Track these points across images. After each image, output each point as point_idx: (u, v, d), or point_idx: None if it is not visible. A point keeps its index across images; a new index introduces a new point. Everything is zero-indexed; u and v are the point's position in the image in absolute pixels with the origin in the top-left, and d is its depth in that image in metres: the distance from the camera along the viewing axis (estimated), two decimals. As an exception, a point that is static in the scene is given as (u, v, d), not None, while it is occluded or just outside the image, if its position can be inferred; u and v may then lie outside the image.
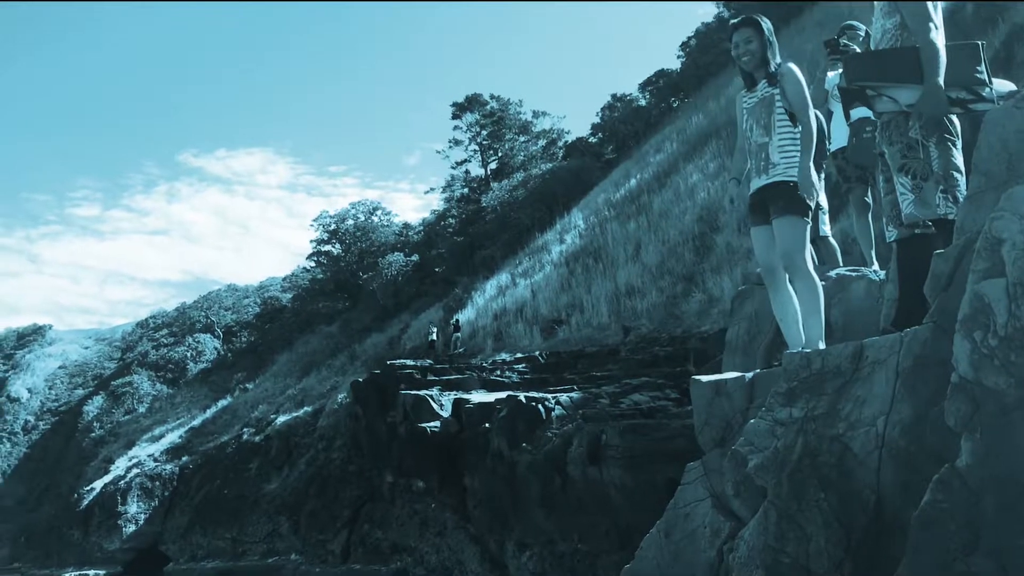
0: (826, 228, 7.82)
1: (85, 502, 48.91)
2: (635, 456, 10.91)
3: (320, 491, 33.49)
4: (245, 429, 44.55)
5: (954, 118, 4.91)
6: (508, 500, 12.92)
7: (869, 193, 7.55)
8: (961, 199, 4.74)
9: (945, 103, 4.74)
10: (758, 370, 5.76)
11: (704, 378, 5.94)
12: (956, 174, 4.84)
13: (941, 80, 4.72)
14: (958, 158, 4.89)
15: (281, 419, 42.23)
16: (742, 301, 7.49)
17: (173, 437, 52.20)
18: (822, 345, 5.39)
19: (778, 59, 5.62)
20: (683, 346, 15.70)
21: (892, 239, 5.31)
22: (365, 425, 23.76)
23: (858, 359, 4.56)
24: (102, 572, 42.87)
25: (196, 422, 52.89)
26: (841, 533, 4.29)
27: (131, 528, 44.55)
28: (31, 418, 75.34)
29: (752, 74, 5.65)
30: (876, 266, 7.33)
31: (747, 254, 17.27)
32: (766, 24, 5.64)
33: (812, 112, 5.50)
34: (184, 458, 46.72)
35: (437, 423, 16.43)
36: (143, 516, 44.82)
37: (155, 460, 48.59)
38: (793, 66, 5.59)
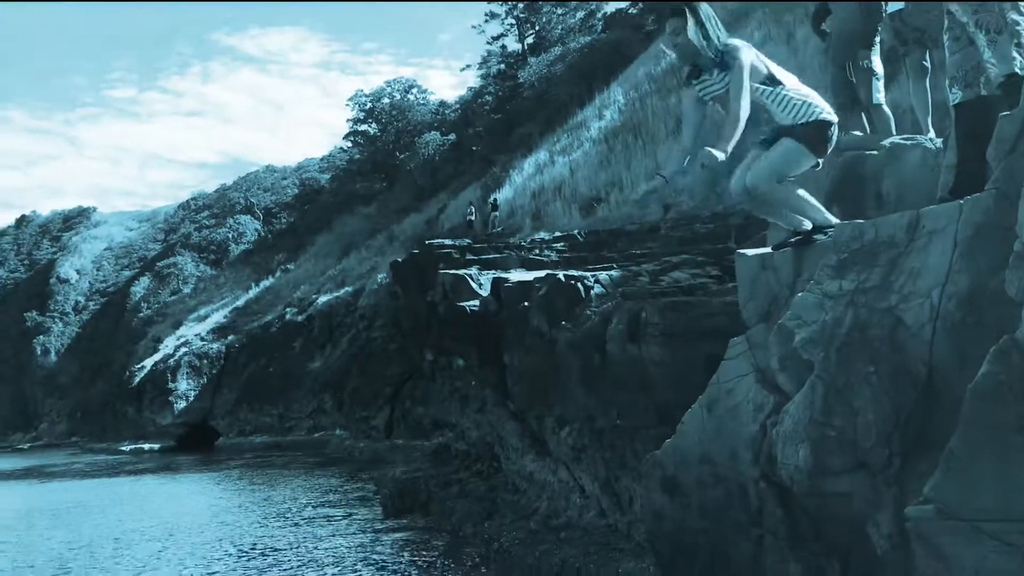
0: (880, 96, 7.46)
1: (137, 379, 50.46)
2: (675, 334, 10.79)
3: (362, 369, 34.15)
4: (288, 309, 45.29)
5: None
6: (547, 378, 12.95)
7: (928, 56, 7.17)
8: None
9: None
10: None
11: (750, 251, 5.78)
12: None
13: None
14: None
15: (322, 299, 42.82)
16: (789, 173, 7.23)
17: (218, 317, 53.22)
18: (831, 219, 5.29)
19: (721, 40, 5.17)
20: (724, 223, 15.43)
21: (955, 101, 5.02)
22: (405, 304, 23.89)
23: (914, 229, 4.36)
24: (156, 446, 44.50)
25: (240, 302, 53.78)
26: (890, 407, 4.17)
27: (182, 404, 46.01)
28: (81, 299, 77.10)
29: (696, 64, 5.27)
30: (932, 134, 7.01)
31: (792, 128, 16.76)
32: (699, 10, 5.15)
33: (745, 100, 5.06)
34: (230, 337, 47.77)
35: (476, 302, 16.42)
36: (193, 393, 46.20)
37: (202, 339, 49.74)
38: (739, 46, 5.16)
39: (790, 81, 5.24)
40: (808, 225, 5.37)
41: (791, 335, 4.69)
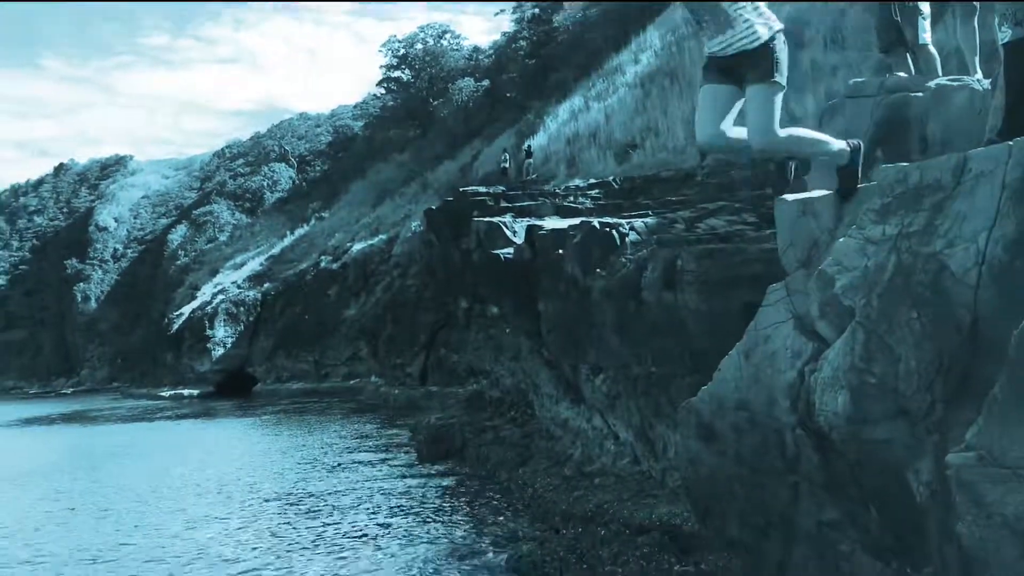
0: (926, 36, 7.26)
1: (175, 326, 51.16)
2: (711, 281, 10.71)
3: (397, 317, 34.35)
4: (323, 257, 45.54)
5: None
6: (582, 325, 12.94)
7: (977, -6, 6.94)
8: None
9: None
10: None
11: (790, 197, 5.67)
12: None
13: None
14: None
15: (357, 247, 42.98)
16: (832, 116, 7.09)
17: (254, 265, 53.64)
18: (840, 143, 5.15)
19: None
20: (762, 169, 15.21)
21: (1004, 40, 4.86)
22: (439, 252, 23.93)
23: (960, 172, 4.25)
24: (195, 391, 45.24)
25: (275, 250, 54.13)
26: (933, 354, 4.10)
27: (219, 351, 46.64)
28: (119, 246, 78.03)
29: None
30: (980, 75, 6.81)
31: (832, 71, 16.44)
32: None
33: None
34: (266, 285, 48.19)
35: (510, 250, 16.39)
36: (230, 340, 46.78)
37: (238, 287, 50.23)
38: None
39: None
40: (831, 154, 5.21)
41: (832, 281, 4.61)
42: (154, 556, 11.05)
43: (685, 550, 8.87)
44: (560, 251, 13.71)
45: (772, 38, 4.88)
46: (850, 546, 4.69)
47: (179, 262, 68.41)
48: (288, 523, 12.56)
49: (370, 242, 42.09)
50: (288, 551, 10.94)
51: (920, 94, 6.53)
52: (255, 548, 11.23)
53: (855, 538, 4.66)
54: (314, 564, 10.27)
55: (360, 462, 17.58)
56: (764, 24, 4.88)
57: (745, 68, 4.95)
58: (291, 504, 13.90)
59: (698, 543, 8.58)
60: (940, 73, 7.07)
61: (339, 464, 17.55)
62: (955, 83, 6.44)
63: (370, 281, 39.59)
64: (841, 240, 4.69)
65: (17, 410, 44.05)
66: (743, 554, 5.55)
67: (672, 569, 8.62)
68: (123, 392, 54.10)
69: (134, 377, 57.05)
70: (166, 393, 46.64)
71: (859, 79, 8.17)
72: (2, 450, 26.25)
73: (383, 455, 18.39)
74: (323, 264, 44.38)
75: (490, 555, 10.05)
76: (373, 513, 12.80)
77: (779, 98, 4.98)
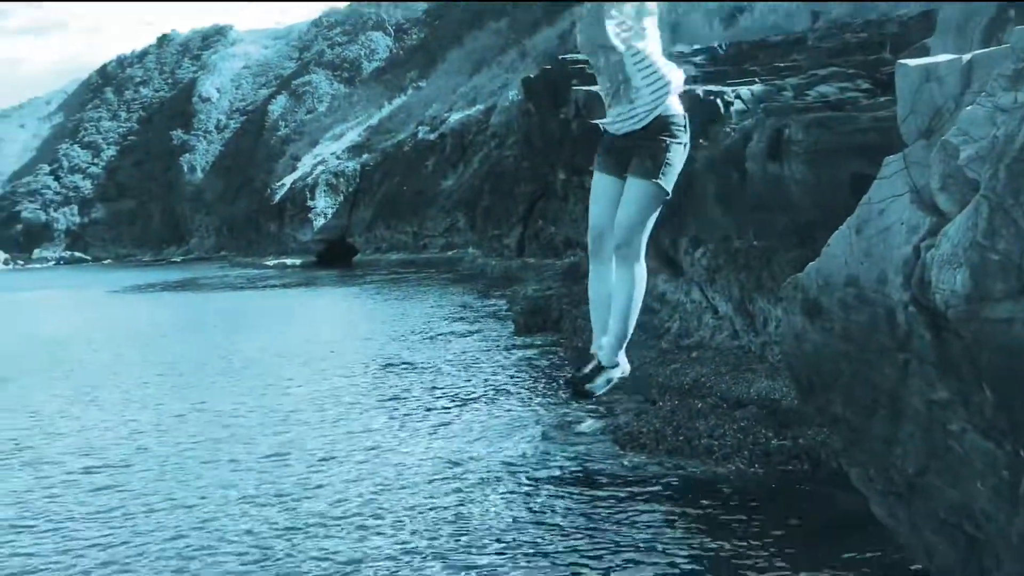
0: None
1: (277, 197, 52.29)
2: (820, 151, 10.35)
3: (494, 188, 34.32)
4: (420, 127, 45.52)
5: None
6: (682, 197, 12.70)
7: None
8: None
9: None
10: (976, 51, 5.08)
11: (912, 62, 5.32)
12: None
13: None
14: None
15: (454, 117, 42.78)
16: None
17: (353, 136, 54.00)
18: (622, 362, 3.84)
19: None
20: (879, 31, 14.46)
21: None
22: (537, 122, 23.64)
23: (1108, 32, 3.90)
24: (298, 261, 46.55)
25: (373, 120, 54.29)
26: (1064, 230, 3.86)
27: (320, 221, 47.64)
28: (222, 117, 79.36)
29: None
30: None
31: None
32: None
33: None
34: (364, 156, 48.59)
35: (610, 119, 16.09)
36: (330, 210, 47.67)
37: (338, 158, 50.80)
38: None
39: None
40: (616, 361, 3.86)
41: (956, 152, 4.34)
42: (261, 419, 11.56)
43: (784, 424, 8.84)
44: (661, 120, 13.41)
45: (667, 125, 3.56)
46: (960, 426, 4.56)
47: (280, 133, 69.33)
48: (388, 391, 12.95)
49: (467, 112, 41.81)
50: (389, 417, 11.31)
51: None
52: (357, 413, 11.63)
53: (966, 418, 4.53)
54: (414, 430, 10.60)
55: (458, 332, 17.91)
56: (658, 100, 3.49)
57: (631, 154, 3.61)
58: (392, 372, 14.30)
59: (797, 418, 8.53)
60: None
61: (439, 334, 17.92)
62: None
63: (467, 152, 39.53)
64: (968, 108, 4.40)
65: (132, 277, 46.15)
66: (846, 431, 5.48)
67: (769, 443, 8.62)
68: (230, 261, 56.03)
69: (240, 246, 58.93)
70: (270, 262, 48.07)
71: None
72: (120, 315, 27.59)
73: (481, 325, 18.68)
74: (421, 135, 44.40)
75: (587, 424, 10.21)
76: (472, 383, 13.09)
77: (658, 207, 3.62)
